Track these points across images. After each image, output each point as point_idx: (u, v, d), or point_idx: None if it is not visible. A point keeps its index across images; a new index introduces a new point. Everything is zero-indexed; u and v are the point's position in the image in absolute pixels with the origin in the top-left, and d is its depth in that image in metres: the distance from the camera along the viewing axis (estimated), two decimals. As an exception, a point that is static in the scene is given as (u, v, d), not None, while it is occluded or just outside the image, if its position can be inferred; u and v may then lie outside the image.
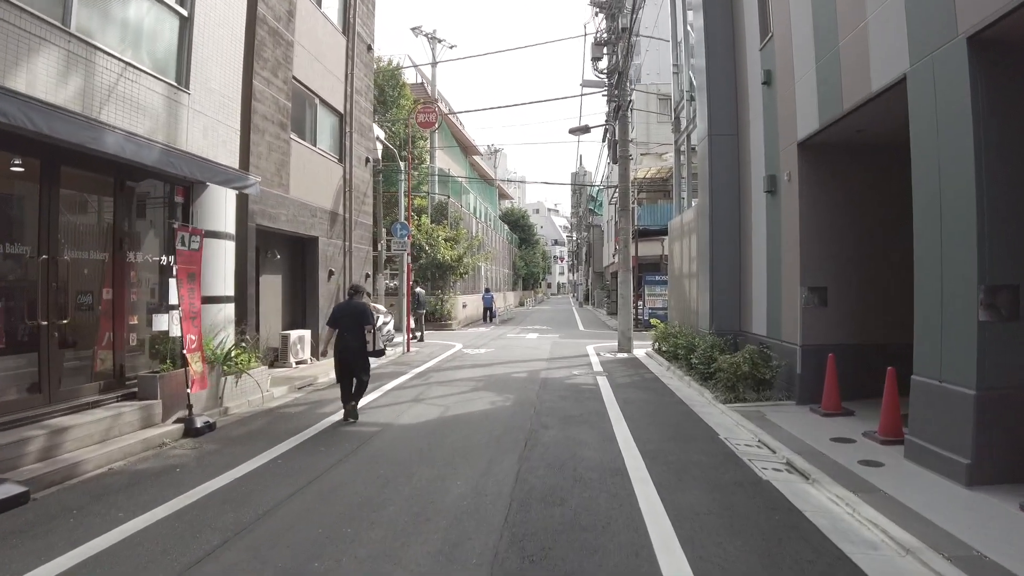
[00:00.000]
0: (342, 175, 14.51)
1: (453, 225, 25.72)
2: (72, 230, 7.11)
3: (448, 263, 23.63)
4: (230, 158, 9.36)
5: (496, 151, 55.31)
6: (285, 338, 12.24)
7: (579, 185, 47.45)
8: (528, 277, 59.75)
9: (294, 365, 12.24)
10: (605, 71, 15.77)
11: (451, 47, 27.64)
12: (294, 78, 12.17)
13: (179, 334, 7.58)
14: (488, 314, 30.40)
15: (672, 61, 16.49)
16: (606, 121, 16.35)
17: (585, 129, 16.81)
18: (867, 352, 8.31)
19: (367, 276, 16.00)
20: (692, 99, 14.84)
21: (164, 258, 8.26)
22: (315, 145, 13.19)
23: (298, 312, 13.35)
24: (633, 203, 20.38)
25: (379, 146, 15.86)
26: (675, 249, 15.58)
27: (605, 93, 16.01)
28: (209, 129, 8.77)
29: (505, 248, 47.25)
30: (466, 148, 40.52)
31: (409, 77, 28.25)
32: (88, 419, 6.39)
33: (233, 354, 8.92)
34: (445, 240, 23.92)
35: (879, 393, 6.61)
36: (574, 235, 75.70)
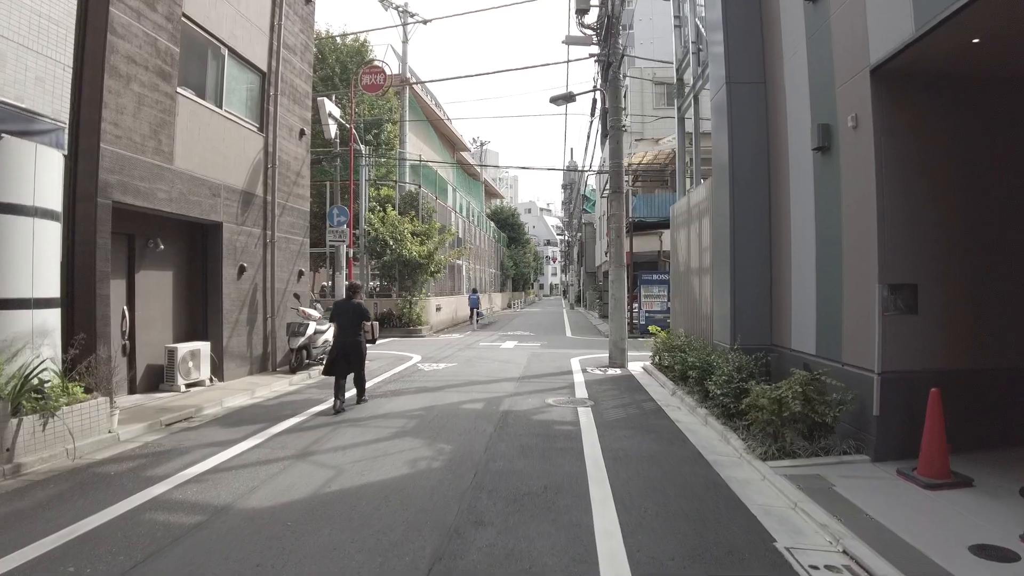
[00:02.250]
0: (262, 147, 11.58)
1: (425, 218, 22.79)
2: None
3: (416, 260, 20.69)
4: (52, 103, 6.46)
5: (483, 144, 52.44)
6: (171, 353, 9.30)
7: (567, 170, 44.50)
8: (518, 278, 56.82)
9: (183, 388, 9.31)
10: (593, 26, 12.92)
11: (424, 22, 24.76)
12: (185, 16, 9.26)
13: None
14: (475, 315, 27.55)
15: (673, 13, 13.63)
16: (594, 86, 13.51)
17: (569, 97, 13.96)
18: (984, 381, 5.50)
19: (300, 274, 13.07)
20: (700, 51, 11.98)
21: None
22: (220, 107, 10.27)
23: (196, 318, 10.41)
24: (627, 188, 17.51)
25: (332, 124, 13.05)
26: (680, 239, 12.73)
27: (594, 51, 13.14)
28: (5, 58, 5.90)
29: (492, 247, 44.34)
30: (451, 143, 37.67)
31: (379, 56, 25.41)
32: None
33: (47, 384, 6.05)
34: (413, 234, 20.98)
35: (1004, 442, 3.84)
36: (566, 234, 72.92)
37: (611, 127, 13.13)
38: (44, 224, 6.41)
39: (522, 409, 8.17)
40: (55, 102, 6.58)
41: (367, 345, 8.88)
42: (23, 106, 6.15)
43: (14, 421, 5.67)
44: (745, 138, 8.64)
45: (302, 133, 13.08)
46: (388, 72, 13.82)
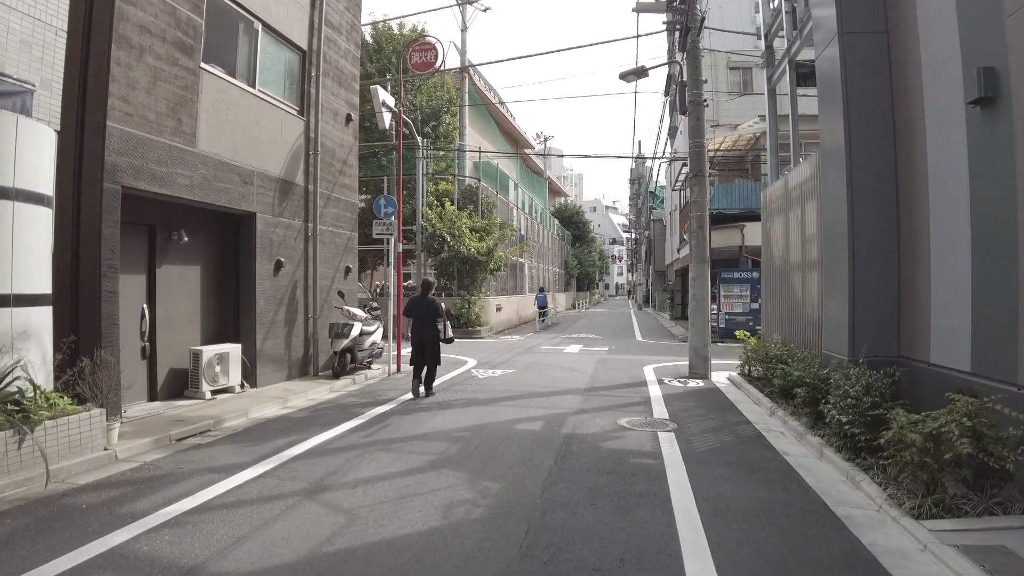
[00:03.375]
0: (303, 132, 10.60)
1: (485, 213, 21.61)
2: None
3: (475, 257, 19.52)
4: (41, 70, 5.54)
5: (547, 139, 50.99)
6: (196, 357, 8.39)
7: (636, 158, 42.44)
8: (583, 277, 55.03)
9: (208, 396, 8.38)
10: (667, -10, 11.37)
11: (484, 9, 23.64)
12: (212, -17, 8.34)
13: None
14: (542, 314, 26.27)
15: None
16: (670, 57, 11.92)
17: (641, 72, 12.41)
18: None
19: (347, 270, 12.07)
20: (793, 9, 10.24)
21: None
22: (253, 86, 9.32)
23: (227, 318, 9.50)
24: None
25: (387, 114, 12.01)
26: (774, 229, 11.01)
27: (668, 20, 11.57)
28: None
29: (556, 245, 42.89)
30: (514, 140, 36.51)
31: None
32: None
33: (27, 394, 5.15)
34: (472, 230, 19.82)
35: None
36: (633, 233, 70.62)
37: (690, 101, 11.53)
38: (27, 209, 5.48)
39: (589, 432, 6.75)
40: (44, 69, 5.68)
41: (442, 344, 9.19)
42: (4, 72, 5.23)
43: (-18, 439, 4.74)
44: (863, 101, 6.97)
45: (349, 119, 12.08)
46: (440, 50, 12.63)
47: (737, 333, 11.05)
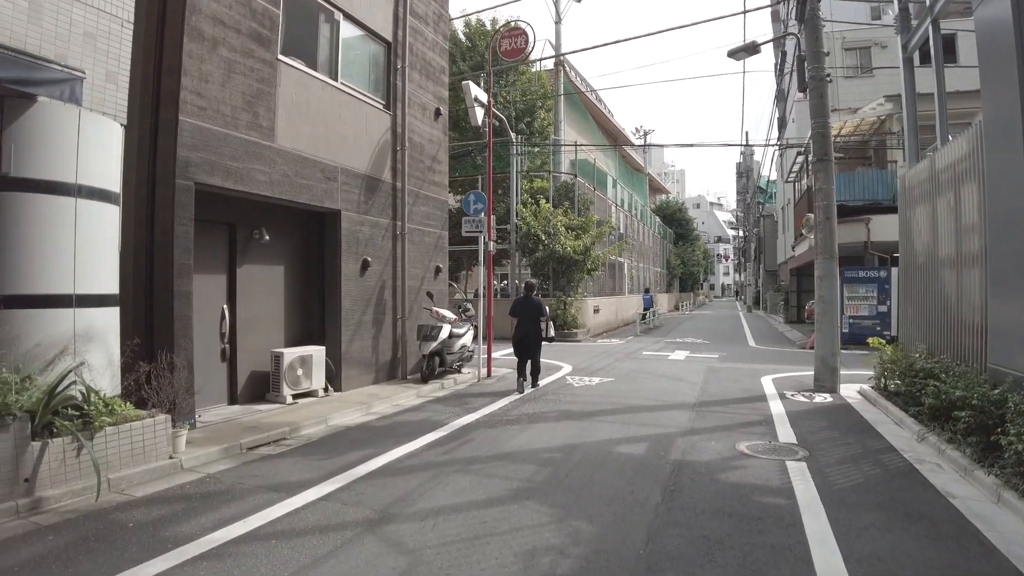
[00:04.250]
0: (389, 127, 10.16)
1: (581, 210, 20.67)
2: None
3: (571, 256, 18.64)
4: (106, 63, 5.27)
5: (646, 132, 49.15)
6: (277, 359, 8.07)
7: (745, 145, 39.82)
8: (686, 277, 52.58)
9: (289, 400, 8.04)
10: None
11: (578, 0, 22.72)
12: (290, -28, 8.01)
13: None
14: (648, 315, 25.10)
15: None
16: (785, 30, 10.55)
17: (752, 48, 11.07)
18: None
19: (437, 270, 11.55)
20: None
21: None
22: (335, 79, 8.94)
23: (312, 320, 9.19)
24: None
25: (479, 110, 11.44)
26: (916, 219, 9.43)
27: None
28: (42, 8, 4.75)
29: (657, 243, 41.12)
30: (612, 136, 35.30)
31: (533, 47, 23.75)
32: None
33: (85, 399, 4.88)
34: (568, 228, 18.95)
35: None
36: (740, 230, 67.07)
37: (811, 77, 10.11)
38: (92, 206, 5.19)
39: (702, 460, 5.72)
40: (109, 62, 5.38)
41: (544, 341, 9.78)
42: (64, 64, 4.96)
43: (35, 445, 4.45)
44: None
45: (438, 113, 11.57)
46: (531, 34, 11.88)
47: (870, 340, 9.53)
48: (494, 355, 11.54)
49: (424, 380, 9.96)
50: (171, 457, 5.44)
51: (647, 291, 29.35)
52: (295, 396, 8.19)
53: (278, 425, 6.79)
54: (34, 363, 4.75)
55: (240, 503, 4.57)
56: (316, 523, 4.18)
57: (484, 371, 10.88)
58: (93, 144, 5.21)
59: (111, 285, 5.45)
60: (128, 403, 5.34)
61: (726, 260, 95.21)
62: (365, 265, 9.57)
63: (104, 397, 5.10)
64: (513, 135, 18.70)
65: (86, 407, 4.90)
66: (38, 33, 4.81)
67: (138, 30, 5.86)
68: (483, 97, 11.48)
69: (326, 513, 4.37)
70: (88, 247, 5.18)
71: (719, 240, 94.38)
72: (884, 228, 17.90)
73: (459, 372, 10.88)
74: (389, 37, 10.13)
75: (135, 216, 6.45)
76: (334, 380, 8.93)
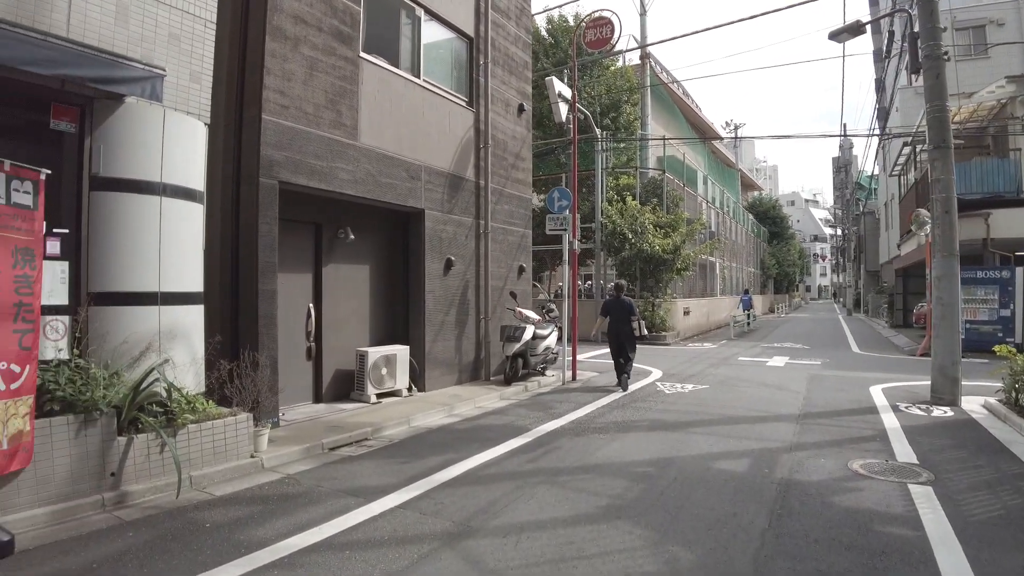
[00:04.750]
0: (472, 124, 9.98)
1: (670, 207, 19.89)
2: None
3: (659, 255, 17.93)
4: (190, 63, 5.32)
5: (737, 127, 47.09)
6: (362, 358, 8.03)
7: (843, 135, 37.20)
8: (781, 278, 49.97)
9: (373, 399, 7.98)
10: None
11: (670, -11, 21.88)
12: (370, -30, 7.95)
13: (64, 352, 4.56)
14: (748, 317, 24.03)
15: None
16: (893, 6, 9.56)
17: (856, 29, 10.07)
18: None
19: (520, 270, 11.28)
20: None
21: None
22: (418, 76, 8.83)
23: (396, 319, 9.12)
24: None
25: (563, 105, 11.12)
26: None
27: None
28: (128, 11, 4.84)
29: (750, 242, 39.29)
30: (701, 131, 34.03)
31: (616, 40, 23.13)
32: None
33: (169, 395, 4.91)
34: (656, 226, 18.25)
35: None
36: (838, 229, 63.20)
37: (925, 56, 9.10)
38: (177, 205, 5.22)
39: (812, 480, 5.11)
40: (193, 62, 5.41)
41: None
42: (147, 63, 5.00)
43: (121, 440, 4.49)
44: None
45: (521, 109, 11.31)
46: (616, 24, 11.41)
47: (997, 348, 8.43)
48: (579, 357, 11.16)
49: (507, 382, 9.71)
50: (252, 456, 5.41)
51: (746, 292, 28.09)
52: (379, 396, 8.13)
53: (361, 425, 6.70)
54: (121, 360, 4.81)
55: (317, 508, 4.42)
56: (393, 533, 3.95)
57: (569, 374, 10.51)
58: (177, 143, 5.24)
59: (195, 283, 5.48)
60: (211, 401, 5.35)
61: (823, 260, 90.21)
62: (449, 264, 9.42)
63: (187, 394, 5.12)
64: (598, 131, 18.20)
65: (170, 404, 4.93)
66: (125, 35, 4.86)
67: (221, 30, 5.90)
68: (567, 93, 11.13)
69: (404, 523, 4.14)
70: (173, 245, 5.21)
71: (815, 239, 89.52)
72: (1007, 223, 16.18)
73: (543, 375, 10.57)
74: (471, 32, 9.95)
75: (220, 214, 6.54)
76: (418, 380, 8.83)
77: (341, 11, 7.42)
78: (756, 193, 57.86)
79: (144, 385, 4.78)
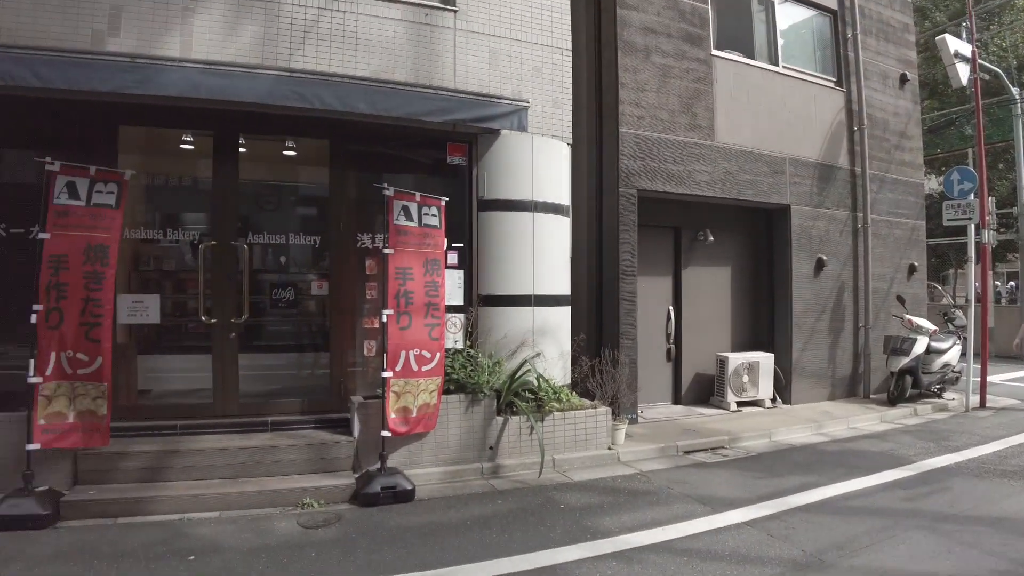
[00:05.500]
0: (842, 106, 8.88)
1: None
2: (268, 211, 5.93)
3: None
4: (552, 91, 6.07)
5: None
6: (721, 364, 7.83)
7: None
8: None
9: (732, 407, 7.71)
10: None
11: None
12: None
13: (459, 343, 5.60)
14: None
15: None
16: None
17: None
18: None
19: (910, 269, 9.53)
20: None
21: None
22: (775, 64, 8.26)
23: (759, 324, 8.62)
24: None
25: (962, 67, 9.18)
26: None
27: None
28: (498, 56, 5.80)
29: None
30: None
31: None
32: (244, 443, 4.81)
33: (538, 385, 5.62)
34: None
35: None
36: None
37: None
38: (546, 219, 5.93)
39: None
40: (554, 89, 6.06)
41: None
42: (514, 98, 5.78)
43: (499, 420, 5.31)
44: None
45: (903, 80, 9.63)
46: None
47: None
48: (991, 379, 8.89)
49: (891, 403, 8.26)
50: (609, 448, 5.74)
51: None
52: (739, 404, 7.80)
53: (717, 432, 6.54)
54: (501, 351, 5.63)
55: (663, 508, 4.47)
56: (735, 549, 3.76)
57: (975, 399, 8.43)
58: (544, 164, 5.92)
59: (563, 287, 6.10)
60: (574, 393, 5.89)
61: None
62: (819, 264, 8.54)
63: (554, 385, 5.71)
64: (1015, 90, 14.32)
65: (539, 392, 5.57)
66: (497, 76, 5.74)
67: (577, 55, 6.46)
68: (965, 50, 9.10)
69: (748, 541, 3.90)
70: (543, 254, 5.88)
71: None
72: None
73: (939, 397, 8.69)
74: (833, 5, 8.87)
75: (586, 224, 7.13)
76: (782, 391, 8.20)
77: (689, 13, 7.43)
78: None
79: (519, 374, 5.52)
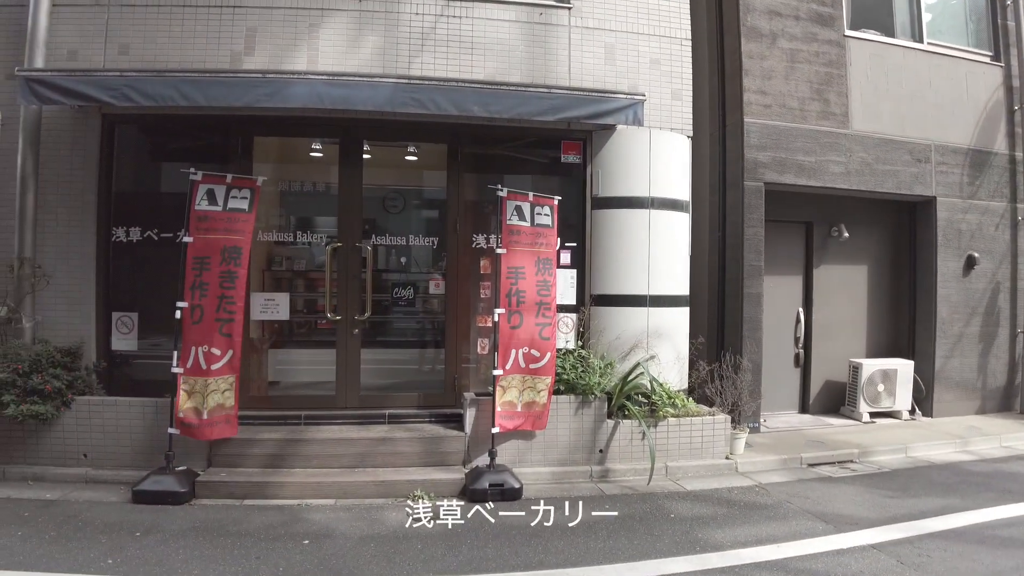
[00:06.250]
0: (1001, 83, 7.93)
1: None
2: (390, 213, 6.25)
3: None
4: (671, 83, 5.91)
5: None
6: (855, 371, 7.29)
7: None
8: None
9: (865, 418, 7.16)
10: None
11: None
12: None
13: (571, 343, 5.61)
14: None
15: None
16: None
17: None
18: None
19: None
20: None
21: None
22: (920, 41, 7.51)
23: (899, 328, 7.92)
24: None
25: None
26: None
27: None
28: (614, 50, 5.72)
29: None
30: None
31: None
32: (363, 434, 5.09)
33: (652, 389, 5.47)
34: None
35: None
36: None
37: None
38: (664, 216, 5.75)
39: None
40: (673, 81, 5.87)
41: None
42: (629, 92, 5.63)
43: (610, 423, 5.23)
44: None
45: (1085, 49, 8.43)
46: None
47: None
48: None
49: (1058, 416, 7.36)
50: (727, 458, 5.50)
51: None
52: (872, 415, 7.22)
53: (846, 445, 6.10)
54: (613, 353, 5.54)
55: (780, 524, 4.23)
56: (858, 574, 3.48)
57: None
58: (662, 159, 5.74)
59: (680, 287, 5.90)
60: (690, 398, 5.69)
61: None
62: (970, 262, 7.70)
63: (669, 390, 5.53)
64: None
65: (653, 396, 5.41)
66: (613, 71, 5.65)
67: (697, 44, 6.21)
68: None
69: (874, 566, 3.59)
70: (660, 252, 5.71)
71: None
72: None
73: None
74: (992, -31, 7.94)
75: (708, 221, 6.87)
76: (922, 402, 7.49)
77: (819, -8, 6.92)
78: None
79: (631, 377, 5.40)
